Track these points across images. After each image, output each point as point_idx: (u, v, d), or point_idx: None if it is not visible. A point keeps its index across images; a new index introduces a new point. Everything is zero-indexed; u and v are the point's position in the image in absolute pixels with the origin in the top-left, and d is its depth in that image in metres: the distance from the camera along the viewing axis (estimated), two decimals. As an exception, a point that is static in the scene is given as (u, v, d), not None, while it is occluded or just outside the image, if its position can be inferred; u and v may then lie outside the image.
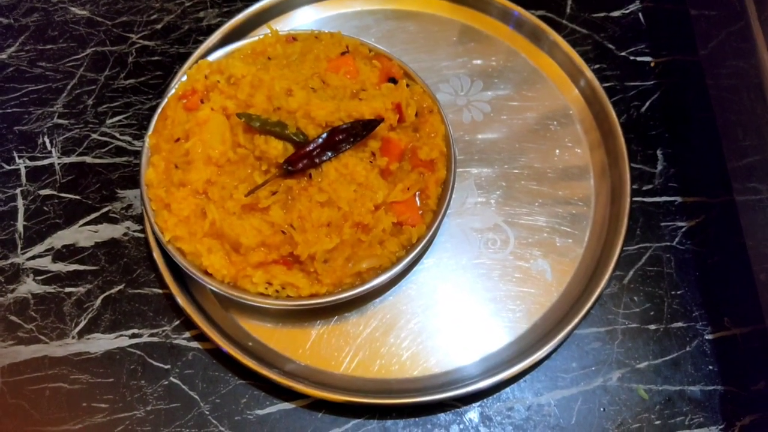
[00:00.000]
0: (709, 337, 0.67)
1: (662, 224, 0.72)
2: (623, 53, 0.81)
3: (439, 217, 0.66)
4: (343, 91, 0.69)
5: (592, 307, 0.65)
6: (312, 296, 0.63)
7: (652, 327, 0.67)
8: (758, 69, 0.64)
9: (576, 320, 0.64)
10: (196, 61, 0.73)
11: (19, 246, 0.69)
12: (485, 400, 0.64)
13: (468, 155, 0.74)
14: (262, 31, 0.77)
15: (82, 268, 0.68)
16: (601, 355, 0.66)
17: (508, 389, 0.65)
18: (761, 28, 0.66)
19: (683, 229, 0.71)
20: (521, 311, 0.67)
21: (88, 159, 0.73)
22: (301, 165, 0.64)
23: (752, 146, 0.65)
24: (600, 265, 0.68)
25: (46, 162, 0.73)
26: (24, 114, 0.76)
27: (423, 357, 0.65)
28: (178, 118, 0.68)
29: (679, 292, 0.69)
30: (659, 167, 0.75)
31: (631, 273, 0.70)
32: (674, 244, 0.71)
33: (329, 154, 0.65)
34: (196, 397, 0.63)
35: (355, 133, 0.66)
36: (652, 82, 0.79)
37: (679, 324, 0.67)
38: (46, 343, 0.65)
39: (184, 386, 0.63)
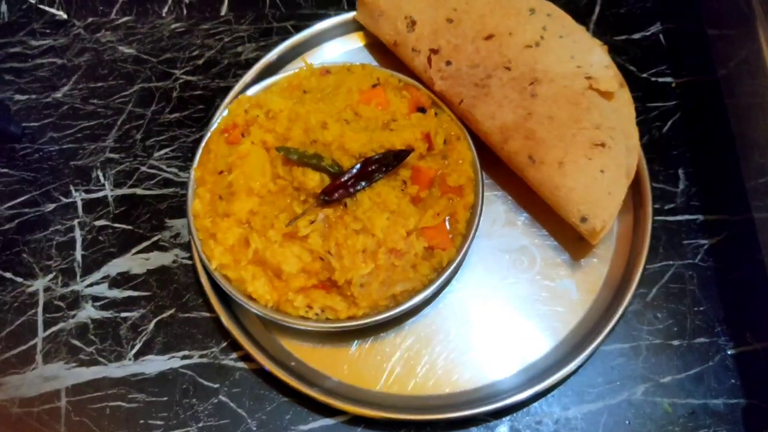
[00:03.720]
0: (731, 351, 0.69)
1: (684, 242, 0.74)
2: (645, 75, 0.84)
3: (468, 240, 0.69)
4: (374, 122, 0.73)
5: (616, 324, 0.68)
6: (350, 318, 0.67)
7: (676, 342, 0.70)
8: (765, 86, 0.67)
9: (601, 337, 0.67)
10: (236, 96, 0.78)
11: (78, 274, 0.74)
12: (515, 414, 0.67)
13: (496, 179, 0.77)
14: (298, 65, 0.82)
15: (135, 294, 0.73)
16: (626, 370, 0.69)
17: (536, 404, 0.68)
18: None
19: (705, 247, 0.74)
20: (549, 328, 0.70)
21: (138, 191, 0.79)
22: (337, 195, 0.68)
23: (766, 165, 0.67)
24: (624, 283, 0.70)
25: (100, 194, 0.78)
26: (79, 149, 0.81)
27: (456, 373, 0.69)
28: (220, 152, 0.73)
29: (701, 309, 0.71)
30: (681, 186, 0.77)
31: (654, 290, 0.72)
32: (696, 261, 0.73)
33: (363, 183, 0.69)
34: (244, 414, 0.67)
35: (387, 163, 0.69)
36: (673, 103, 0.82)
37: (702, 339, 0.70)
38: (105, 365, 0.70)
39: (232, 404, 0.68)
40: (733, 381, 0.68)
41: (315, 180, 0.69)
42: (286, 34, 0.86)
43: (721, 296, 0.71)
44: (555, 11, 0.78)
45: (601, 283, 0.72)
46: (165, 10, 0.90)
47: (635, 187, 0.74)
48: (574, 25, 0.78)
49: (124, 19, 0.89)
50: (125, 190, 0.79)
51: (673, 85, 0.83)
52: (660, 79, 0.83)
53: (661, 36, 0.86)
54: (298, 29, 0.85)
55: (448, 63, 0.77)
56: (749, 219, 0.72)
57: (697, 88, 0.82)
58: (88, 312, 0.72)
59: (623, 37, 0.86)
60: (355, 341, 0.70)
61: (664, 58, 0.85)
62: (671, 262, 0.73)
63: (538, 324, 0.70)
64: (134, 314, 0.72)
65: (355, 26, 0.85)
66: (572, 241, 0.73)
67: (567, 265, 0.73)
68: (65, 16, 0.90)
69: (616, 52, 0.84)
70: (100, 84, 0.85)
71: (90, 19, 0.89)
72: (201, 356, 0.70)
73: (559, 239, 0.74)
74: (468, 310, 0.71)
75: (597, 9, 0.88)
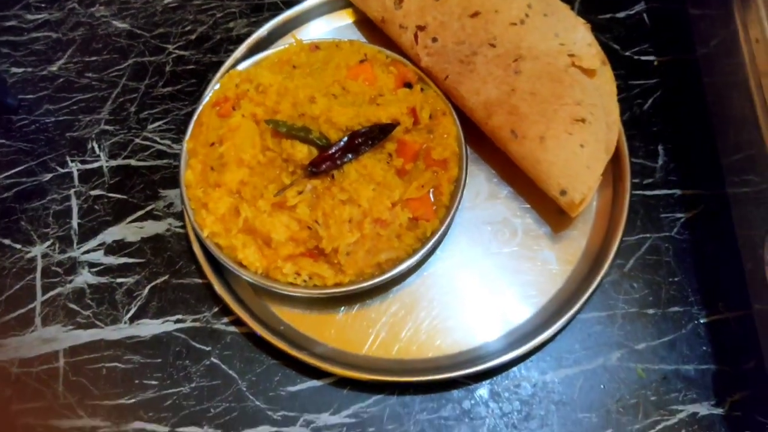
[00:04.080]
0: (703, 320, 0.72)
1: (662, 216, 0.77)
2: (627, 53, 0.86)
3: (452, 211, 0.72)
4: (362, 97, 0.75)
5: (593, 293, 0.71)
6: (336, 285, 0.69)
7: (651, 311, 0.72)
8: (743, 68, 0.69)
9: (579, 305, 0.70)
10: (228, 71, 0.80)
11: (75, 241, 0.77)
12: (495, 378, 0.70)
13: (480, 154, 0.79)
14: (288, 41, 0.84)
15: (130, 260, 0.76)
16: (602, 337, 0.71)
17: (515, 368, 0.70)
18: (744, 28, 0.70)
19: (681, 220, 0.76)
20: (529, 297, 0.73)
21: (132, 162, 0.81)
22: (324, 167, 0.70)
23: (742, 142, 0.70)
24: (601, 255, 0.73)
25: (95, 165, 0.81)
26: (74, 121, 0.83)
27: (438, 338, 0.71)
28: (212, 125, 0.75)
29: (676, 279, 0.74)
30: (660, 162, 0.79)
31: (631, 261, 0.75)
32: (673, 234, 0.76)
33: (350, 156, 0.71)
34: (235, 375, 0.70)
35: (373, 136, 0.72)
36: (654, 81, 0.84)
37: (676, 308, 0.72)
38: (102, 328, 0.72)
39: (223, 366, 0.71)
40: (704, 348, 0.71)
41: (303, 152, 0.71)
42: (276, 10, 0.88)
43: (695, 267, 0.74)
44: None
45: (580, 254, 0.75)
46: (159, -15, 0.91)
47: (615, 161, 0.76)
48: (558, 4, 0.80)
49: (118, -6, 0.91)
50: (120, 161, 0.81)
51: (656, 63, 0.85)
52: (642, 58, 0.85)
53: (644, 15, 0.88)
54: (288, 5, 0.87)
55: (435, 39, 0.79)
56: (724, 194, 0.75)
57: (678, 66, 0.84)
58: (84, 277, 0.75)
59: (608, 16, 0.88)
60: (342, 307, 0.73)
61: (647, 36, 0.87)
62: (648, 235, 0.76)
63: (519, 293, 0.73)
64: (129, 280, 0.75)
65: (344, 3, 0.87)
66: (553, 214, 0.76)
67: (547, 236, 0.75)
68: (60, -9, 0.91)
69: (600, 30, 0.86)
70: (94, 58, 0.87)
71: (84, -6, 0.91)
72: (194, 320, 0.73)
73: (540, 212, 0.77)
74: (451, 279, 0.74)
75: (583, -13, 0.90)
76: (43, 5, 0.90)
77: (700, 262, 0.74)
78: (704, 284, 0.73)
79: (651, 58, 0.85)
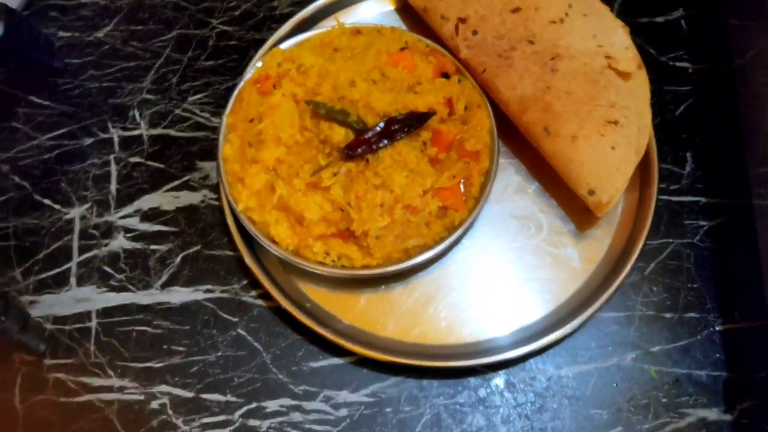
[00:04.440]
0: (719, 327, 0.73)
1: (686, 222, 0.78)
2: (663, 58, 0.86)
3: (480, 203, 0.73)
4: (400, 84, 0.77)
5: (613, 294, 0.72)
6: (363, 267, 0.71)
7: (668, 315, 0.74)
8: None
9: (598, 304, 0.71)
10: (270, 49, 0.81)
11: (112, 206, 0.79)
12: (511, 369, 0.72)
13: (511, 147, 0.81)
14: (330, 22, 0.85)
15: (165, 228, 0.78)
16: (619, 337, 0.73)
17: (531, 361, 0.72)
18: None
19: (704, 228, 0.77)
20: (549, 292, 0.75)
21: (171, 132, 0.83)
22: (360, 150, 0.72)
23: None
24: (624, 256, 0.74)
25: (135, 133, 0.83)
26: (117, 88, 0.85)
27: (458, 326, 0.73)
28: (253, 101, 0.77)
29: (695, 286, 0.75)
30: (687, 169, 0.80)
31: (652, 265, 0.76)
32: (695, 241, 0.77)
33: (385, 141, 0.73)
34: (260, 347, 0.73)
35: (410, 123, 0.73)
36: (688, 88, 0.84)
37: (693, 314, 0.74)
38: (134, 292, 0.75)
39: (249, 337, 0.73)
40: (717, 355, 0.72)
41: (340, 134, 0.73)
42: (321, -8, 0.89)
43: (715, 276, 0.75)
44: None
45: (603, 254, 0.76)
46: (206, -41, 0.93)
47: (643, 165, 0.77)
48: (598, 5, 0.80)
49: (166, -35, 0.92)
50: (159, 131, 0.83)
51: (690, 70, 0.86)
52: (678, 64, 0.86)
53: (682, 21, 0.88)
54: (334, -13, 0.88)
55: (475, 32, 0.80)
56: (749, 205, 0.76)
57: (712, 75, 0.85)
58: (120, 242, 0.77)
59: (646, 20, 0.89)
60: (367, 289, 0.75)
61: (684, 43, 0.87)
62: (671, 240, 0.77)
63: (540, 287, 0.75)
64: (163, 248, 0.77)
65: (389, -11, 0.88)
66: (579, 212, 0.77)
67: (572, 234, 0.77)
68: (109, -41, 0.93)
69: (638, 33, 0.86)
70: (140, 27, 0.89)
71: (133, -37, 0.92)
72: (223, 291, 0.75)
73: (566, 209, 0.78)
74: (474, 269, 0.76)
75: (625, -11, 0.91)
76: (91, -28, 0.92)
77: (720, 271, 0.76)
78: (722, 292, 0.75)
79: (686, 64, 0.86)
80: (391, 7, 0.89)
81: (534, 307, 0.74)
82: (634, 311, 0.74)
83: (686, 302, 0.75)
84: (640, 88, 0.79)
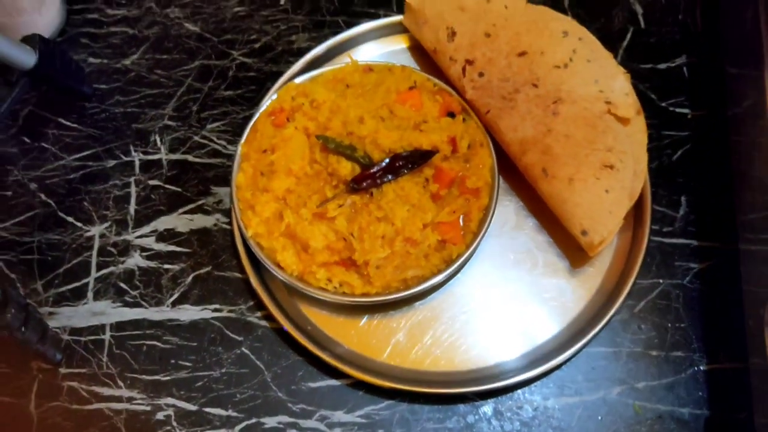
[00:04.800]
0: (703, 367, 0.76)
1: (677, 263, 0.80)
2: (664, 104, 0.89)
3: (478, 238, 0.76)
4: (407, 121, 0.81)
5: (602, 329, 0.75)
6: (363, 295, 0.74)
7: (654, 353, 0.76)
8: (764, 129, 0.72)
9: (587, 339, 0.74)
10: (285, 82, 0.85)
11: (130, 226, 0.83)
12: (499, 397, 0.75)
13: (511, 185, 0.84)
14: (344, 59, 0.89)
15: (178, 249, 0.82)
16: (606, 372, 0.76)
17: (520, 391, 0.75)
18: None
19: (694, 270, 0.80)
20: (540, 325, 0.77)
21: (189, 157, 0.87)
22: (365, 184, 0.76)
23: (758, 203, 0.73)
24: (615, 293, 0.77)
25: (155, 157, 0.87)
26: (141, 114, 0.90)
27: (451, 355, 0.76)
28: (266, 132, 0.81)
29: (682, 325, 0.78)
30: (681, 212, 0.83)
31: (642, 303, 0.79)
32: (685, 282, 0.80)
33: (389, 176, 0.76)
34: (262, 366, 0.76)
35: (414, 161, 0.77)
36: (686, 134, 0.87)
37: (679, 353, 0.76)
38: (146, 308, 0.79)
39: (252, 356, 0.77)
40: (700, 393, 0.75)
41: (347, 168, 0.77)
42: (337, 28, 0.94)
43: (702, 316, 0.78)
44: (586, 36, 0.84)
45: (595, 291, 0.79)
46: (230, -6, 0.98)
47: (638, 207, 0.80)
48: (602, 51, 0.84)
49: (192, -3, 0.98)
50: (178, 156, 0.87)
51: (689, 116, 0.89)
52: (678, 110, 0.89)
53: (684, 69, 0.92)
54: (348, 25, 0.93)
55: (481, 74, 0.84)
56: (736, 250, 0.79)
57: (710, 122, 0.88)
58: (135, 260, 0.82)
59: (649, 66, 0.92)
60: (366, 315, 0.78)
61: (684, 89, 0.90)
62: (661, 280, 0.80)
63: (532, 320, 0.78)
64: (175, 267, 0.81)
65: (400, 29, 0.92)
66: (573, 250, 0.80)
67: (566, 270, 0.80)
68: (139, -11, 0.98)
69: (640, 79, 0.90)
70: (165, 56, 0.94)
71: (161, -6, 0.98)
72: (229, 311, 0.79)
73: (561, 247, 0.81)
74: (470, 301, 0.79)
75: (628, 36, 0.94)
76: (123, 2, 0.97)
77: (707, 312, 0.78)
78: (708, 333, 0.77)
79: (686, 110, 0.89)
80: (403, 45, 0.93)
81: (525, 339, 0.77)
82: (622, 347, 0.77)
83: (673, 341, 0.77)
84: (637, 133, 0.82)
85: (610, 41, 0.84)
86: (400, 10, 0.92)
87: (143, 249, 0.82)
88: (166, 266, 0.81)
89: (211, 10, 0.97)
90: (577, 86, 0.82)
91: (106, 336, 0.78)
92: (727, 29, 0.89)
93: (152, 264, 0.82)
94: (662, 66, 0.92)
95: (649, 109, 0.86)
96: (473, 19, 0.86)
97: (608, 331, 0.77)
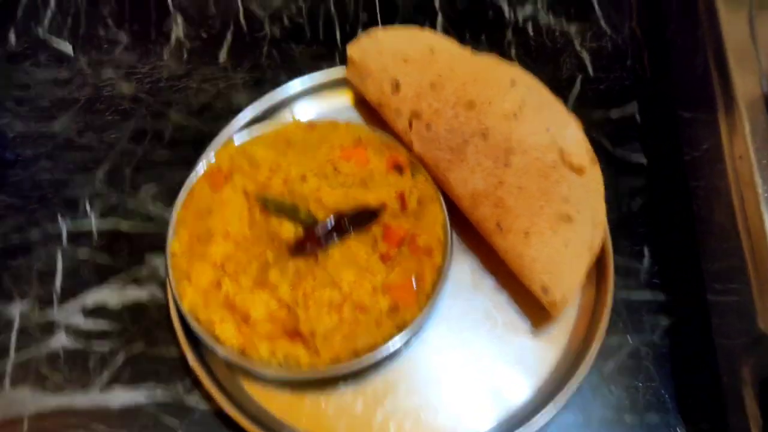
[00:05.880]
0: (680, 430, 0.71)
1: (644, 319, 0.76)
2: (619, 152, 0.87)
3: (432, 300, 0.71)
4: (352, 178, 0.77)
5: (570, 398, 0.70)
6: (311, 368, 0.69)
7: (628, 418, 0.71)
8: (727, 177, 0.70)
9: (555, 409, 0.69)
10: (224, 142, 0.81)
11: (55, 302, 0.76)
12: (464, 475, 0.69)
13: (466, 241, 0.80)
14: (286, 115, 0.85)
15: (108, 326, 0.75)
16: (576, 442, 0.71)
17: (487, 467, 0.69)
18: (729, 141, 0.71)
19: (663, 325, 0.76)
20: (504, 395, 0.72)
21: (122, 225, 0.81)
22: (309, 246, 0.71)
23: (723, 250, 0.70)
24: (581, 355, 0.72)
25: (85, 226, 0.81)
26: (69, 180, 0.84)
27: (409, 428, 0.70)
28: (203, 195, 0.76)
29: (653, 384, 0.73)
30: (645, 264, 0.79)
31: (610, 363, 0.74)
32: (654, 338, 0.75)
33: (335, 237, 0.72)
34: (200, 454, 0.69)
35: (360, 219, 0.73)
36: (643, 182, 0.84)
37: (654, 416, 0.72)
38: (71, 395, 0.71)
39: (189, 444, 0.70)
40: (680, 460, 0.70)
41: (289, 231, 0.72)
42: (278, 85, 0.89)
43: (674, 374, 0.73)
44: (534, 84, 0.82)
45: (560, 353, 0.74)
46: (167, 53, 0.93)
47: (600, 261, 0.76)
48: (552, 99, 0.81)
49: (127, 58, 0.93)
50: (110, 223, 0.81)
51: (645, 164, 0.86)
52: (633, 156, 0.86)
53: (636, 115, 0.89)
54: (291, 80, 0.89)
55: (428, 126, 0.80)
56: (705, 300, 0.75)
57: (666, 168, 0.85)
58: (60, 340, 0.74)
59: (600, 113, 0.89)
60: (316, 390, 0.72)
61: (638, 136, 0.88)
62: (629, 337, 0.75)
63: (494, 389, 0.72)
64: (104, 346, 0.74)
65: (344, 83, 0.88)
66: (535, 309, 0.75)
67: (527, 332, 0.75)
68: (71, 50, 0.93)
69: (593, 126, 0.86)
70: (96, 119, 0.88)
71: (94, 55, 0.93)
72: (164, 393, 0.72)
73: (522, 306, 0.76)
74: (427, 369, 0.73)
75: (577, 83, 0.92)
76: (52, 63, 0.92)
77: (679, 369, 0.74)
78: (682, 392, 0.73)
79: (641, 158, 0.86)
80: (347, 101, 0.89)
81: (488, 410, 0.71)
82: (593, 413, 0.72)
83: (645, 402, 0.72)
84: (593, 182, 0.78)
85: (559, 89, 0.81)
86: (344, 63, 0.88)
87: (69, 328, 0.75)
88: (95, 346, 0.74)
89: (147, 70, 0.92)
90: (528, 135, 0.78)
91: (24, 429, 0.70)
92: (678, 74, 0.88)
93: (78, 344, 0.74)
94: (614, 113, 0.90)
95: (604, 157, 0.82)
96: (418, 70, 0.83)
97: (577, 397, 0.72)
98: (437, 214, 0.76)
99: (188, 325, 0.71)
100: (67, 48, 0.94)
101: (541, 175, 0.76)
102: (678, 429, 0.71)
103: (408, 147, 0.80)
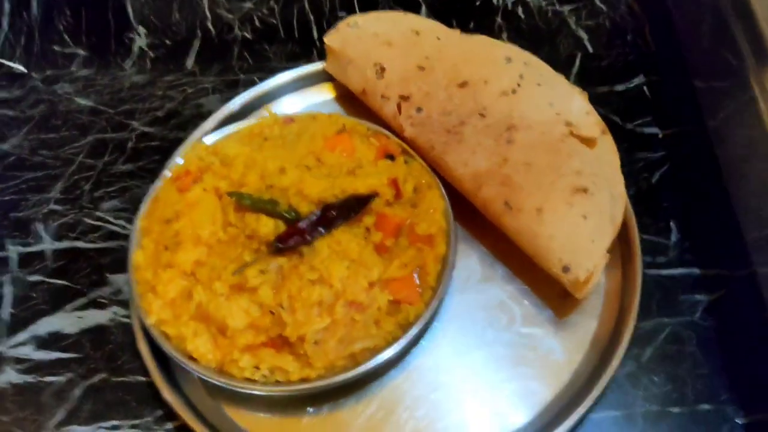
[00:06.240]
0: (740, 420, 0.61)
1: (681, 298, 0.67)
2: (629, 125, 0.79)
3: (439, 294, 0.62)
4: (338, 169, 0.68)
5: (606, 389, 0.60)
6: (302, 381, 0.59)
7: (676, 410, 0.61)
8: (765, 137, 0.62)
9: (589, 403, 0.59)
10: (193, 143, 0.73)
11: (4, 334, 0.67)
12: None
13: (472, 231, 0.71)
14: (261, 114, 0.77)
15: (65, 355, 0.65)
16: (620, 443, 0.60)
17: (518, 482, 0.58)
18: (764, 97, 0.64)
19: (703, 304, 0.67)
20: (530, 394, 0.62)
21: (80, 244, 0.72)
22: (291, 242, 0.62)
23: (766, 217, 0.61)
24: (613, 343, 0.63)
25: (37, 248, 0.72)
26: (21, 201, 0.75)
27: (425, 448, 0.60)
28: (170, 200, 0.67)
29: (703, 372, 0.63)
30: (673, 239, 0.71)
31: (648, 351, 0.65)
32: (695, 319, 0.66)
33: (321, 230, 0.63)
34: (177, 495, 0.58)
35: (349, 208, 0.64)
36: (660, 154, 0.77)
37: (706, 406, 0.61)
38: (20, 438, 0.61)
39: (164, 484, 0.59)
40: (744, 455, 0.59)
41: (269, 227, 0.63)
42: (252, 86, 0.82)
43: (725, 358, 0.64)
44: (532, 60, 0.75)
45: (589, 342, 0.65)
46: (129, 63, 0.86)
47: (623, 239, 0.68)
48: (552, 73, 0.74)
49: (84, 71, 0.86)
50: (65, 244, 0.72)
51: (660, 135, 0.78)
52: (646, 130, 0.79)
53: (645, 88, 0.82)
54: (264, 81, 0.81)
55: (419, 110, 0.72)
56: (753, 273, 0.65)
57: (685, 138, 0.78)
58: (8, 376, 0.64)
59: (605, 89, 0.82)
60: (309, 408, 0.62)
61: (649, 109, 0.80)
62: (666, 320, 0.66)
63: (518, 389, 0.63)
64: (61, 378, 0.64)
65: (323, 77, 0.81)
66: (555, 297, 0.67)
67: (550, 322, 0.66)
68: (24, 69, 0.86)
69: (598, 102, 0.78)
70: (51, 135, 0.80)
71: (48, 72, 0.86)
72: (132, 427, 0.61)
73: (540, 294, 0.67)
74: (439, 373, 0.64)
75: (577, 61, 0.85)
76: (4, 83, 0.85)
77: (730, 353, 0.64)
78: (737, 378, 0.63)
79: (655, 130, 0.79)
80: (329, 96, 0.82)
81: (514, 413, 0.62)
82: (635, 408, 0.62)
83: (696, 392, 0.62)
84: (607, 154, 0.71)
85: (558, 68, 0.75)
86: (322, 58, 0.81)
87: (19, 361, 0.65)
88: (49, 379, 0.64)
89: (106, 82, 0.85)
90: (530, 111, 0.71)
91: (-35, 482, 0.59)
92: (686, 43, 0.81)
93: (30, 378, 0.64)
94: (620, 87, 0.83)
95: (614, 132, 0.75)
96: (403, 54, 0.76)
97: (615, 391, 0.63)
98: (436, 200, 0.67)
99: (156, 344, 0.61)
100: (19, 67, 0.86)
101: (550, 150, 0.68)
102: (737, 420, 0.61)
103: (398, 133, 0.72)
